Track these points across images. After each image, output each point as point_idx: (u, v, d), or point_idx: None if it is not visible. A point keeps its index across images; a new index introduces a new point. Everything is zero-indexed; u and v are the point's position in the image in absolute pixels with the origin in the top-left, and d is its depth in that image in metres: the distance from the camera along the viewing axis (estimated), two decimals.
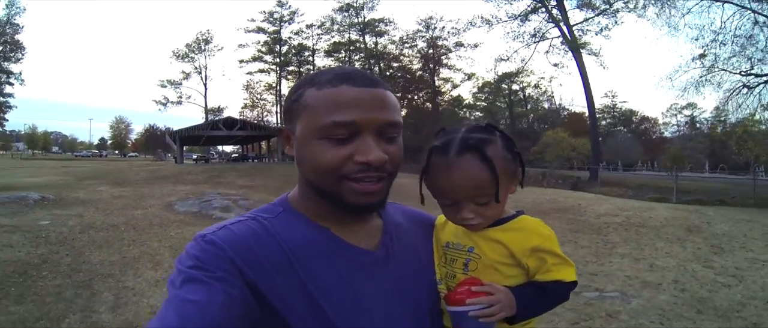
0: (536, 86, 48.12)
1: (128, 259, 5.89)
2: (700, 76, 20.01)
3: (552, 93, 51.31)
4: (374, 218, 0.88)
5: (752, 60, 18.33)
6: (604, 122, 55.86)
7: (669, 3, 20.50)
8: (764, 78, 18.16)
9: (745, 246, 6.66)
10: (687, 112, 51.85)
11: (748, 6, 17.33)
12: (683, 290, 4.80)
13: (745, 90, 18.92)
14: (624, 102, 56.62)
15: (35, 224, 7.64)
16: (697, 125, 50.48)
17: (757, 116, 19.68)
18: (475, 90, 47.99)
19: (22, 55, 40.34)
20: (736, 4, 17.87)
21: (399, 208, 0.97)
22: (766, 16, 17.30)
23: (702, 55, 19.86)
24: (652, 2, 22.68)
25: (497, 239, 0.84)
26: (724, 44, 18.78)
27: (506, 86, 45.23)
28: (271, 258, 0.73)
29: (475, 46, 40.43)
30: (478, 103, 50.09)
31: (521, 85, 47.71)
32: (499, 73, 40.07)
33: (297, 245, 0.76)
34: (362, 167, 0.74)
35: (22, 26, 39.66)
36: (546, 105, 52.94)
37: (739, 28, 18.22)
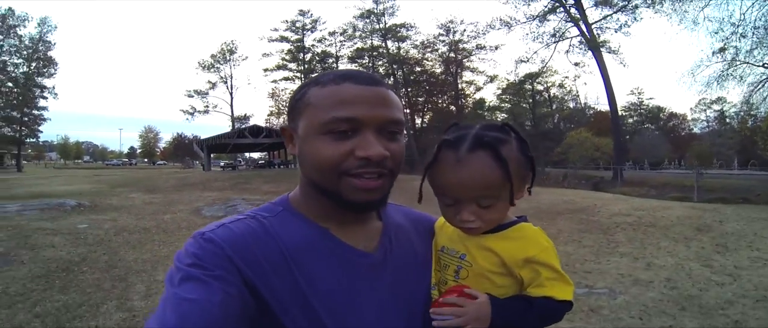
0: (561, 86, 47.38)
1: (159, 257, 6.43)
2: (722, 71, 19.75)
3: (577, 92, 50.65)
4: (374, 219, 0.89)
5: None
6: (631, 120, 54.94)
7: None
8: None
9: (752, 245, 6.71)
10: (716, 107, 50.03)
11: None
12: (673, 287, 4.97)
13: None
14: (651, 99, 55.04)
15: (74, 227, 8.29)
16: (727, 120, 49.06)
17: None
18: (499, 91, 47.97)
19: (55, 70, 42.55)
20: None
21: (400, 209, 0.98)
22: None
23: (722, 49, 19.64)
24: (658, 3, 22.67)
25: (490, 247, 0.82)
26: (745, 36, 18.50)
27: (530, 87, 45.00)
28: (268, 257, 0.74)
29: (497, 47, 40.44)
30: (502, 104, 49.96)
31: (545, 85, 47.34)
32: (521, 75, 39.91)
33: (295, 245, 0.77)
34: (362, 163, 0.74)
35: (54, 43, 42.12)
36: (571, 104, 52.25)
37: (760, 19, 17.93)
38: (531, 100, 45.23)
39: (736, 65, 19.29)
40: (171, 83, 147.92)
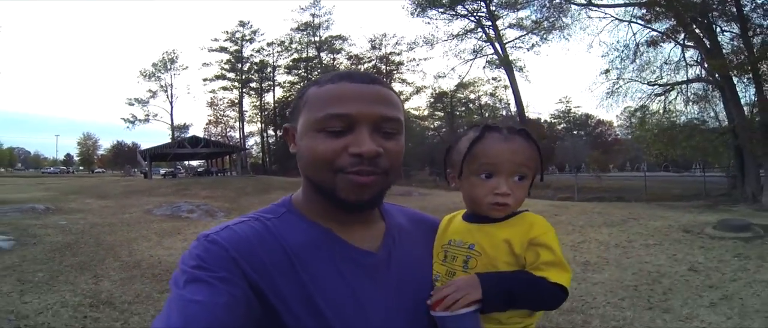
0: (492, 94, 52.26)
1: (130, 238, 9.63)
2: (609, 89, 24.39)
3: (507, 101, 55.57)
4: (377, 220, 0.92)
5: (658, 71, 22.51)
6: (559, 127, 60.54)
7: (581, 25, 24.74)
8: (664, 87, 22.31)
9: (562, 233, 8.46)
10: (640, 114, 56.03)
11: (653, 28, 21.38)
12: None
13: (654, 97, 23.18)
14: (578, 107, 60.60)
15: (56, 223, 11.22)
16: (647, 128, 54.68)
17: (654, 121, 23.99)
18: (431, 100, 51.90)
19: None
20: (641, 24, 22.01)
21: (402, 210, 1.02)
22: (660, 32, 21.24)
23: (607, 71, 24.16)
24: (564, 25, 27.52)
25: (497, 234, 0.87)
26: (625, 59, 23.07)
27: (448, 99, 48.95)
28: (273, 258, 0.76)
29: (425, 60, 44.72)
30: (435, 113, 53.84)
31: (477, 95, 51.81)
32: (441, 88, 44.23)
33: (298, 246, 0.79)
34: (355, 160, 0.77)
35: None
36: (504, 113, 56.94)
37: (642, 45, 22.31)
38: (448, 110, 49.23)
39: (619, 84, 23.89)
40: (110, 87, 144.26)
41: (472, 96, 51.99)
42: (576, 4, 25.54)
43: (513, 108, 55.87)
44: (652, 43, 21.00)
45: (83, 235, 9.93)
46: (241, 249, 0.74)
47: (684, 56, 20.91)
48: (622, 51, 23.20)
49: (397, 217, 0.98)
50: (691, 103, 21.77)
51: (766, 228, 9.35)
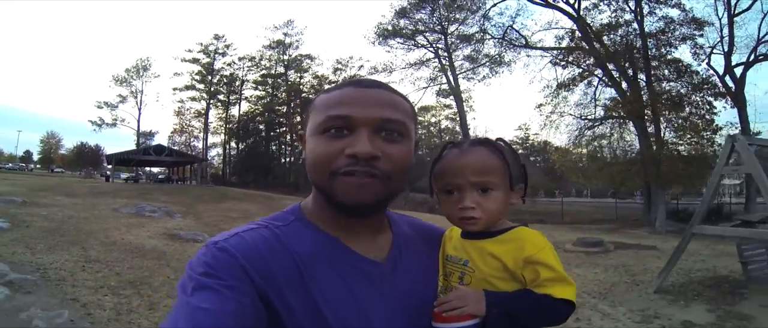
0: (452, 119, 55.75)
1: (104, 227, 12.29)
2: (543, 121, 27.88)
3: (469, 124, 58.83)
4: (385, 229, 0.94)
5: (590, 106, 26.07)
6: (518, 153, 64.13)
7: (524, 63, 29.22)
8: (593, 121, 25.78)
9: None
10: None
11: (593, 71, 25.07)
12: None
13: (585, 130, 26.34)
14: (536, 134, 64.27)
15: (38, 213, 13.69)
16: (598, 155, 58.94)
17: (582, 149, 27.58)
18: None
19: None
20: (575, 65, 25.77)
21: (408, 219, 1.05)
22: (597, 76, 24.94)
23: (540, 105, 27.77)
24: (507, 62, 31.72)
25: (490, 251, 0.88)
26: (557, 97, 26.62)
27: (419, 119, 52.10)
28: (281, 267, 0.78)
29: (389, 83, 48.46)
30: None
31: (437, 118, 55.19)
32: None
33: (306, 254, 0.81)
34: (351, 161, 0.78)
35: None
36: (461, 136, 60.11)
37: (564, 85, 26.04)
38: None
39: (551, 117, 27.33)
40: (78, 85, 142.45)
41: (433, 119, 55.73)
42: (515, 45, 29.44)
43: (472, 132, 60.72)
44: (567, 84, 24.77)
45: (64, 223, 12.49)
46: (250, 257, 0.76)
47: (595, 96, 24.93)
48: (553, 89, 26.98)
49: (404, 226, 1.00)
50: (610, 138, 25.58)
51: (620, 245, 12.77)
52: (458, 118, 38.21)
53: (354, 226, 0.87)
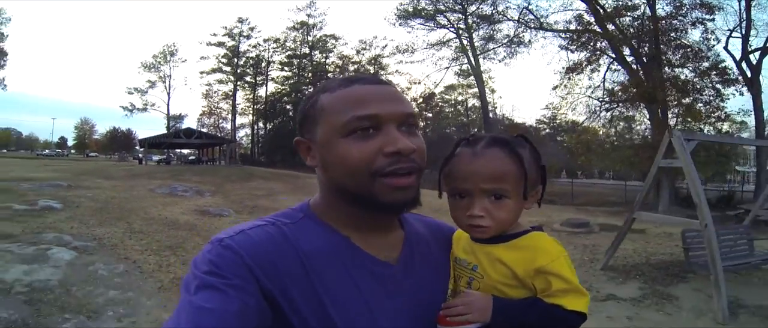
0: (478, 96, 54.99)
1: (143, 206, 13.98)
2: (559, 103, 29.23)
3: (495, 104, 59.11)
4: (396, 228, 0.93)
5: (599, 91, 26.66)
6: (543, 133, 64.38)
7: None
8: (604, 103, 26.35)
9: None
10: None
11: (610, 54, 25.27)
12: None
13: (601, 112, 26.95)
14: (563, 114, 63.65)
15: (85, 195, 15.50)
16: (627, 136, 58.27)
17: (600, 131, 28.27)
18: (420, 102, 55.48)
19: (5, 62, 42.43)
20: (584, 49, 26.08)
21: (419, 218, 1.02)
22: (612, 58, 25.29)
23: (556, 87, 28.51)
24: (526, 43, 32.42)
25: (500, 258, 0.85)
26: (570, 80, 27.25)
27: (446, 98, 52.56)
28: (287, 265, 0.77)
29: (411, 63, 48.80)
30: (423, 113, 57.20)
31: (464, 97, 55.38)
32: (430, 90, 48.31)
33: (314, 253, 0.80)
34: (393, 159, 0.78)
35: (7, 35, 42.68)
36: (491, 115, 60.30)
37: (584, 68, 26.43)
38: (436, 112, 53.09)
39: (566, 98, 28.34)
40: (108, 72, 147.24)
41: (460, 98, 55.87)
42: (529, 27, 30.06)
43: (500, 112, 60.84)
44: (575, 68, 25.36)
45: (108, 203, 14.24)
46: (255, 255, 0.75)
47: (604, 80, 25.43)
48: (563, 73, 27.47)
49: (416, 225, 0.98)
50: (621, 120, 26.16)
51: (607, 227, 13.56)
52: (480, 98, 38.98)
53: (368, 225, 0.86)
